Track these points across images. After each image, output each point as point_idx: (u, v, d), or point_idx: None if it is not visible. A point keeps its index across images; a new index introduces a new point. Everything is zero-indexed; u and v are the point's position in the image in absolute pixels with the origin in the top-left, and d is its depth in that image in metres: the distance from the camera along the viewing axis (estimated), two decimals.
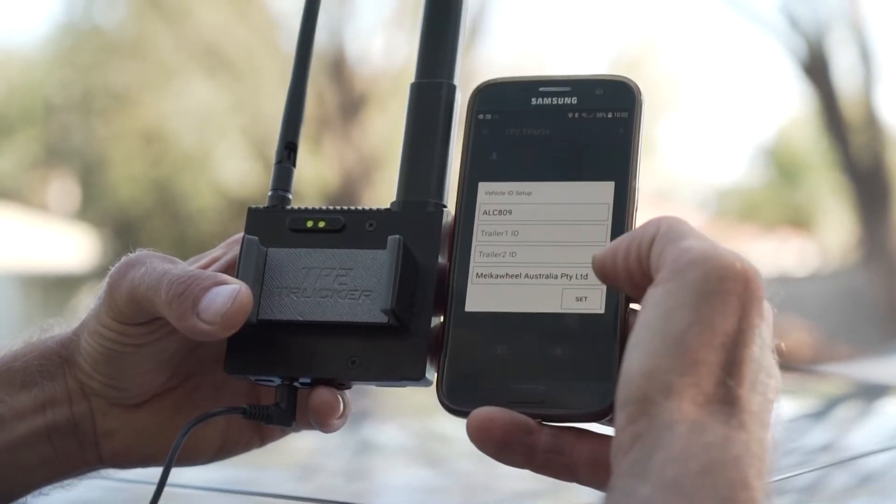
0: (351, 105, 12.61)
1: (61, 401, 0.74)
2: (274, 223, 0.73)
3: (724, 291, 0.57)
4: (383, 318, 0.68)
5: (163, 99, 14.08)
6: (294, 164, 0.75)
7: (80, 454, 0.75)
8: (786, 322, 7.85)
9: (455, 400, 0.66)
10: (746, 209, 18.57)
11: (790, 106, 21.15)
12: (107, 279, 0.72)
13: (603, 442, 0.63)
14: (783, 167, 18.78)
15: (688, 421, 0.55)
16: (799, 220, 18.00)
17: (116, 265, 0.72)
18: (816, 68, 10.42)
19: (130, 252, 0.73)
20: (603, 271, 0.63)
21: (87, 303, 0.75)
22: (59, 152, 15.80)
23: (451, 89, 0.74)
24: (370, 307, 0.69)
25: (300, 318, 0.70)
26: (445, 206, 0.72)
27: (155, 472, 0.69)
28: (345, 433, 1.27)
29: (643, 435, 0.55)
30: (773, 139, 19.50)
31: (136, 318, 0.71)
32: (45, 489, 0.77)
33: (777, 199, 18.78)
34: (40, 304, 12.78)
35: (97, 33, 14.93)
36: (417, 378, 0.68)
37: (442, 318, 0.69)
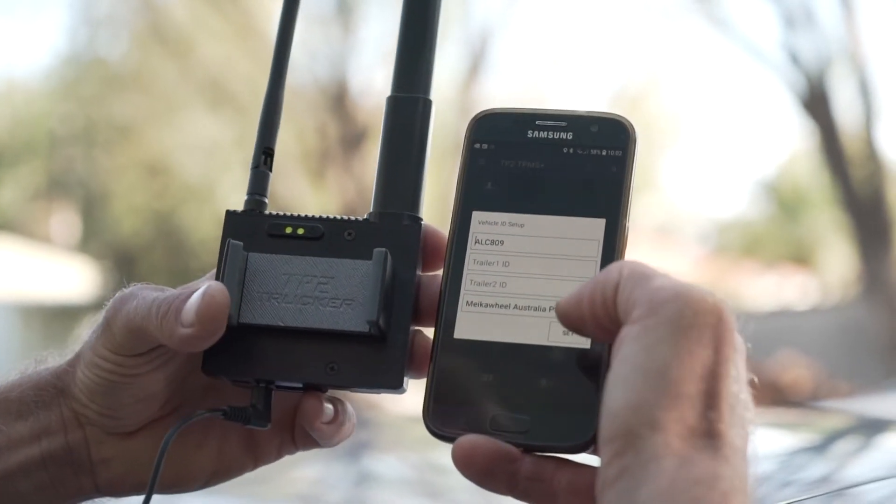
0: (353, 138, 12.64)
1: (56, 430, 0.75)
2: (252, 228, 0.74)
3: (700, 325, 0.58)
4: (365, 328, 0.69)
5: (166, 131, 14.12)
6: (270, 169, 0.77)
7: (76, 482, 0.76)
8: (786, 357, 7.84)
9: (440, 425, 0.67)
10: (747, 244, 18.58)
11: (791, 141, 21.24)
12: (103, 314, 0.73)
13: (581, 470, 0.64)
14: (784, 202, 18.81)
15: (675, 455, 0.56)
16: (799, 255, 18.01)
17: (111, 300, 0.73)
18: (817, 104, 10.45)
19: (125, 287, 0.74)
20: (567, 318, 0.63)
21: (81, 335, 0.76)
22: (62, 184, 15.85)
23: (428, 104, 0.75)
24: (351, 316, 0.70)
25: (281, 324, 0.71)
26: (421, 219, 0.73)
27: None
28: (345, 464, 1.27)
29: (630, 468, 0.56)
30: (773, 174, 19.55)
31: (134, 349, 0.72)
32: None
33: (778, 233, 18.80)
34: (41, 335, 12.78)
35: (100, 65, 15.00)
36: (395, 387, 0.70)
37: (417, 328, 0.71)
